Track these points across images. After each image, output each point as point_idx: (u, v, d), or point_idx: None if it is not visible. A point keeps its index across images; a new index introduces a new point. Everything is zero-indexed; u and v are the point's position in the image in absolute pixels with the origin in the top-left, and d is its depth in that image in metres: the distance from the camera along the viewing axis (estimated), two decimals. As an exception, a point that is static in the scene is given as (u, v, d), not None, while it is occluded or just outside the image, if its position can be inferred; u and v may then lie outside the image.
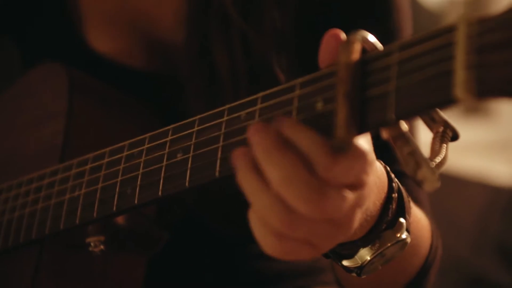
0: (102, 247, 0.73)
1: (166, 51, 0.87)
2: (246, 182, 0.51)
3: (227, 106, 0.59)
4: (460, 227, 1.75)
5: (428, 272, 0.73)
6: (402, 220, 0.61)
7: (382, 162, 0.60)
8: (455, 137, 0.55)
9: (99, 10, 0.88)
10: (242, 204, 0.80)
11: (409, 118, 0.48)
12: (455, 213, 1.76)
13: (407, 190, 0.76)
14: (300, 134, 0.50)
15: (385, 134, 0.51)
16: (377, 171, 0.57)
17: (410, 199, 0.64)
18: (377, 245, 0.60)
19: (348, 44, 0.50)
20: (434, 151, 0.53)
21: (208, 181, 0.58)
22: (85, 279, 0.75)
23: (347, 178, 0.49)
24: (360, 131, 0.49)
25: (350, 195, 0.50)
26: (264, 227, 0.51)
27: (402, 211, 0.62)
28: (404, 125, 0.50)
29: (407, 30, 0.82)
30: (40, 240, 0.73)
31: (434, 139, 0.54)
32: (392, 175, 0.61)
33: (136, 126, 0.81)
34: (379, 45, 0.51)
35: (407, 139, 0.50)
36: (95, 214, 0.67)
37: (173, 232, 0.80)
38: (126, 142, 0.66)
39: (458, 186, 1.79)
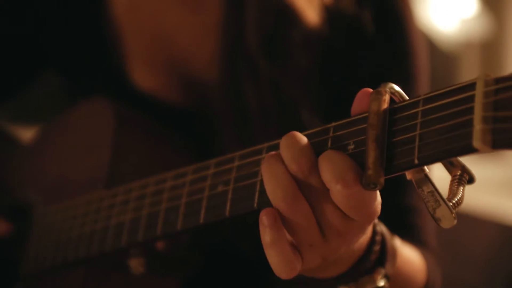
0: (142, 269, 0.78)
1: (202, 89, 0.93)
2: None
3: (266, 144, 0.65)
4: (473, 261, 1.79)
5: None
6: (381, 269, 0.67)
7: None
8: (471, 180, 0.61)
9: (140, 48, 0.95)
10: None
11: (430, 163, 0.54)
12: (468, 248, 1.81)
13: (413, 225, 0.83)
14: (336, 156, 0.57)
15: (408, 175, 0.57)
16: None
17: (398, 245, 0.71)
18: (354, 287, 0.66)
19: (378, 94, 0.57)
20: (452, 192, 0.59)
21: (246, 212, 0.64)
22: None
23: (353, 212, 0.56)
24: (388, 172, 0.55)
25: (348, 223, 0.57)
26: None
27: (384, 260, 0.68)
28: (426, 168, 0.57)
29: (425, 77, 0.89)
30: (87, 261, 0.79)
31: (452, 181, 0.60)
32: (378, 228, 0.67)
33: (175, 159, 0.87)
34: (405, 96, 0.58)
35: (429, 180, 0.57)
36: (140, 238, 0.73)
37: (206, 256, 0.86)
38: (170, 174, 0.72)
39: (470, 223, 1.83)
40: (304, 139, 0.59)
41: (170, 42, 0.93)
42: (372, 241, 0.65)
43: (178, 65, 0.93)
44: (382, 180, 0.55)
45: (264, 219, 0.58)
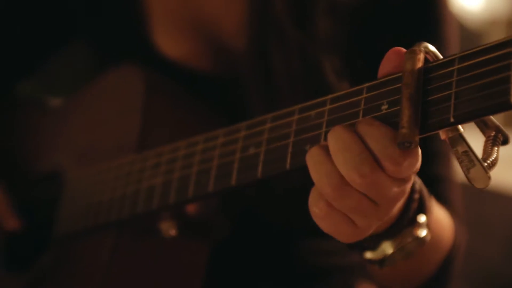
0: (173, 232, 0.79)
1: (229, 55, 0.93)
2: (311, 156, 0.59)
3: (298, 106, 0.65)
4: (496, 237, 1.79)
5: (448, 268, 0.80)
6: (422, 218, 0.68)
7: None
8: (505, 141, 0.60)
9: (167, 15, 0.95)
10: (302, 201, 0.86)
11: (466, 121, 0.54)
12: (491, 224, 1.80)
13: (442, 195, 0.83)
14: (375, 127, 0.56)
15: (442, 134, 0.57)
16: None
17: (432, 200, 0.71)
18: (398, 240, 0.67)
19: (413, 53, 0.56)
20: (486, 152, 0.58)
21: (278, 173, 0.65)
22: (154, 261, 0.81)
23: (407, 173, 0.56)
24: (422, 132, 0.55)
25: (400, 186, 0.57)
26: (318, 194, 0.58)
27: (423, 210, 0.68)
28: (460, 127, 0.56)
29: (455, 42, 0.88)
30: (118, 223, 0.80)
31: (486, 142, 0.59)
32: (415, 178, 0.67)
33: (204, 125, 0.87)
34: (439, 55, 0.57)
35: (463, 140, 0.56)
36: (171, 200, 0.74)
37: (235, 224, 0.87)
38: (201, 137, 0.73)
39: (493, 199, 1.83)
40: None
41: (198, 7, 0.93)
42: (412, 189, 0.65)
43: (206, 31, 0.93)
44: (416, 138, 0.54)
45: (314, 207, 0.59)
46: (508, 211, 1.84)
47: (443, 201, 0.84)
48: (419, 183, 0.67)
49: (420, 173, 0.72)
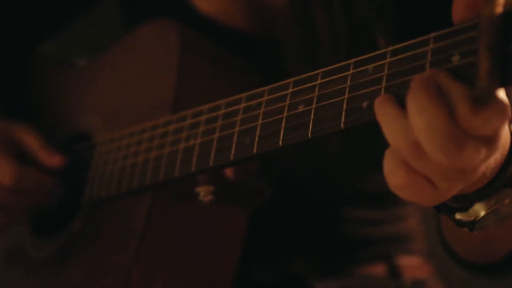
0: (211, 197, 0.75)
1: (268, 13, 0.88)
2: (384, 112, 0.52)
3: (353, 60, 0.59)
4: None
5: None
6: None
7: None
8: None
9: None
10: (339, 167, 0.80)
11: None
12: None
13: None
14: (448, 82, 0.50)
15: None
16: (505, 127, 0.57)
17: None
18: (494, 201, 0.60)
19: (492, -3, 0.50)
20: None
21: (332, 132, 0.59)
22: (192, 227, 0.77)
23: (486, 130, 0.49)
24: (503, 84, 0.49)
25: (483, 148, 0.50)
26: (394, 156, 0.52)
27: None
28: (544, 81, 0.50)
29: None
30: (153, 187, 0.76)
31: None
32: None
33: (240, 84, 0.83)
34: (520, 0, 0.51)
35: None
36: (211, 163, 0.69)
37: (274, 190, 0.82)
38: (244, 94, 0.68)
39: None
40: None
41: None
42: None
43: None
44: (496, 92, 0.48)
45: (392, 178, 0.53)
46: None
47: None
48: None
49: None
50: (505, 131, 0.56)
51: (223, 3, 0.90)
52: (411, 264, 1.00)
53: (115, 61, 0.93)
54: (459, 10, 0.53)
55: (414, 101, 0.50)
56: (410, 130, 0.50)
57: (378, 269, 0.97)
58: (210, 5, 0.90)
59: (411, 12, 0.82)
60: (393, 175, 0.52)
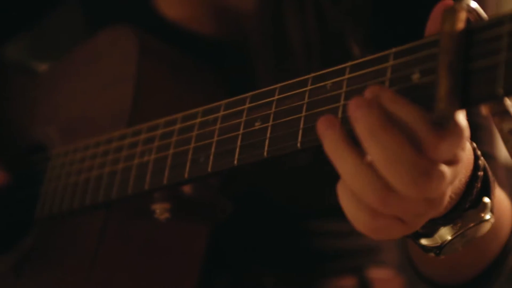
0: (167, 214, 0.72)
1: (237, 18, 0.85)
2: (338, 155, 0.49)
3: (312, 74, 0.56)
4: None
5: (507, 257, 0.70)
6: (486, 199, 0.58)
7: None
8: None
9: None
10: (307, 180, 0.77)
11: None
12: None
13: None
14: (401, 108, 0.47)
15: (485, 109, 0.48)
16: (467, 146, 0.54)
17: (494, 179, 0.61)
18: (459, 224, 0.57)
19: (453, 12, 0.47)
20: (536, 132, 0.50)
21: (288, 152, 0.56)
22: (148, 245, 0.74)
23: (449, 155, 0.47)
24: (463, 105, 0.46)
25: (448, 173, 0.47)
26: (357, 203, 0.49)
27: (487, 190, 0.58)
28: (508, 101, 0.47)
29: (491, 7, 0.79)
30: (106, 204, 0.73)
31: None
32: (479, 152, 0.58)
33: (203, 93, 0.80)
34: (484, 15, 0.48)
35: (510, 116, 0.47)
36: (165, 181, 0.65)
37: (236, 205, 0.79)
38: (200, 109, 0.65)
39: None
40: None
41: None
42: (475, 166, 0.56)
43: None
44: (455, 114, 0.45)
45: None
46: None
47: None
48: (483, 158, 0.58)
49: None
50: (466, 150, 0.54)
51: (190, 9, 0.88)
52: (382, 276, 0.98)
53: (73, 69, 0.90)
54: (431, 27, 0.50)
55: (373, 140, 0.47)
56: (375, 180, 0.47)
57: (349, 282, 0.95)
58: (177, 11, 0.87)
59: (389, 20, 0.79)
60: (358, 221, 0.50)
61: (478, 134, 0.74)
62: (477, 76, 0.45)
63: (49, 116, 0.89)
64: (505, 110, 0.47)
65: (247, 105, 0.60)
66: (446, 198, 0.50)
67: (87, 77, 0.86)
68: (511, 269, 0.71)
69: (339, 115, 0.52)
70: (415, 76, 0.49)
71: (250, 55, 0.83)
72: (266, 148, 0.57)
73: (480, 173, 0.57)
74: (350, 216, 0.50)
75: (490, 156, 0.75)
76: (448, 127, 0.46)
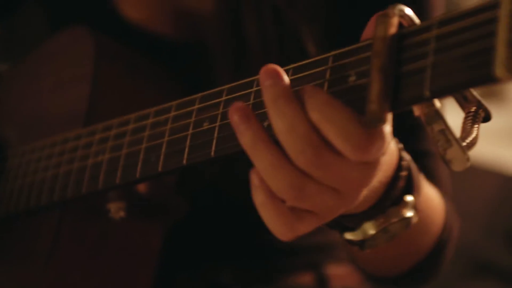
0: (122, 213, 0.73)
1: (195, 19, 0.87)
2: (256, 151, 0.52)
3: (256, 76, 0.58)
4: (471, 213, 1.75)
5: (442, 250, 0.73)
6: (409, 198, 0.61)
7: (396, 140, 0.60)
8: (487, 118, 0.54)
9: None
10: None
11: (444, 95, 0.47)
12: (467, 199, 1.76)
13: (428, 170, 0.76)
14: (334, 110, 0.49)
15: (417, 110, 0.51)
16: (390, 148, 0.57)
17: (421, 178, 0.64)
18: (381, 220, 0.60)
19: (385, 17, 0.49)
20: (465, 131, 0.52)
21: (234, 152, 0.58)
22: (102, 245, 0.75)
23: (376, 157, 0.49)
24: (394, 107, 0.48)
25: (363, 170, 0.50)
26: (276, 205, 0.52)
27: (411, 189, 0.62)
28: (437, 103, 0.50)
29: (440, 9, 0.81)
30: (62, 203, 0.74)
31: (465, 119, 0.53)
32: (404, 154, 0.61)
33: (161, 94, 0.81)
34: (416, 20, 0.50)
35: (439, 117, 0.50)
36: (118, 180, 0.67)
37: (194, 202, 0.80)
38: (152, 109, 0.66)
39: (470, 174, 1.79)
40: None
41: None
42: (398, 167, 0.59)
43: None
44: (386, 116, 0.48)
45: (254, 178, 0.53)
46: (486, 186, 1.80)
47: (430, 177, 0.78)
48: (408, 159, 0.60)
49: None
50: (390, 152, 0.56)
51: (149, 10, 0.88)
52: (340, 272, 1.00)
53: (31, 69, 0.90)
54: (367, 35, 0.53)
55: (274, 111, 0.50)
56: (293, 176, 0.50)
57: (306, 279, 0.97)
58: (137, 12, 0.88)
59: (342, 19, 0.81)
60: (275, 224, 0.53)
61: (418, 132, 0.77)
62: (407, 79, 0.48)
63: (8, 116, 0.90)
64: (434, 111, 0.50)
65: (196, 106, 0.62)
66: (358, 195, 0.53)
67: (45, 77, 0.86)
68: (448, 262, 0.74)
69: None
70: (351, 79, 0.51)
71: (208, 55, 0.84)
72: (213, 148, 0.59)
73: (403, 173, 0.60)
74: (267, 217, 0.53)
75: (428, 153, 0.78)
76: (377, 128, 0.48)
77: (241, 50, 0.81)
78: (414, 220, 0.62)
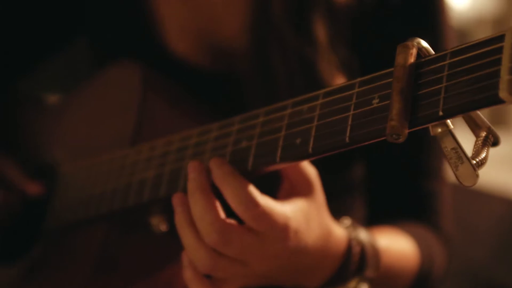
0: (163, 227, 0.79)
1: (230, 55, 0.95)
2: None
3: (291, 100, 0.65)
4: (481, 238, 1.78)
5: None
6: (357, 277, 0.73)
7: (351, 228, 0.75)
8: (496, 142, 0.60)
9: (176, 16, 0.97)
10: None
11: (455, 115, 0.54)
12: (476, 224, 1.80)
13: (430, 213, 0.89)
14: (234, 179, 0.65)
15: (432, 131, 0.57)
16: (334, 238, 0.71)
17: (379, 250, 0.76)
18: None
19: (405, 48, 0.57)
20: (476, 152, 0.58)
21: (268, 166, 0.65)
22: (144, 256, 0.81)
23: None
24: (411, 125, 0.55)
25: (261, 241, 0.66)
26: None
27: (362, 268, 0.74)
28: (450, 124, 0.56)
29: (452, 40, 0.90)
30: (109, 216, 0.80)
31: (476, 142, 0.59)
32: (353, 242, 0.73)
33: (198, 122, 0.87)
34: (432, 51, 0.58)
35: (452, 136, 0.56)
36: (161, 193, 0.73)
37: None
38: (195, 131, 0.73)
39: (479, 199, 1.82)
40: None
41: (203, 11, 0.95)
42: (348, 251, 0.72)
43: (210, 33, 0.95)
44: (405, 131, 0.55)
45: (184, 259, 0.68)
46: (494, 211, 1.83)
47: (431, 215, 0.88)
48: (362, 240, 0.73)
49: (411, 187, 0.79)
50: (334, 240, 0.72)
51: (191, 43, 0.96)
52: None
53: (83, 99, 0.97)
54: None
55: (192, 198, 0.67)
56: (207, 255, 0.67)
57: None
58: (182, 45, 0.96)
59: (363, 52, 0.89)
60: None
61: (428, 174, 0.87)
62: (423, 101, 0.55)
63: (59, 141, 0.97)
64: (448, 131, 0.56)
65: (236, 127, 0.69)
66: (262, 264, 0.67)
67: (94, 106, 0.94)
68: None
69: (312, 133, 0.62)
70: (375, 101, 0.58)
71: (242, 87, 0.92)
72: (250, 163, 0.66)
73: (355, 259, 0.72)
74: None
75: (436, 194, 0.89)
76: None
77: (268, 81, 0.90)
78: None
